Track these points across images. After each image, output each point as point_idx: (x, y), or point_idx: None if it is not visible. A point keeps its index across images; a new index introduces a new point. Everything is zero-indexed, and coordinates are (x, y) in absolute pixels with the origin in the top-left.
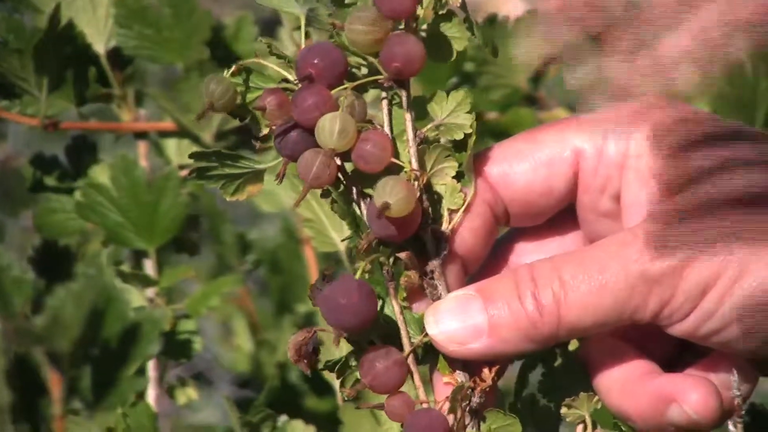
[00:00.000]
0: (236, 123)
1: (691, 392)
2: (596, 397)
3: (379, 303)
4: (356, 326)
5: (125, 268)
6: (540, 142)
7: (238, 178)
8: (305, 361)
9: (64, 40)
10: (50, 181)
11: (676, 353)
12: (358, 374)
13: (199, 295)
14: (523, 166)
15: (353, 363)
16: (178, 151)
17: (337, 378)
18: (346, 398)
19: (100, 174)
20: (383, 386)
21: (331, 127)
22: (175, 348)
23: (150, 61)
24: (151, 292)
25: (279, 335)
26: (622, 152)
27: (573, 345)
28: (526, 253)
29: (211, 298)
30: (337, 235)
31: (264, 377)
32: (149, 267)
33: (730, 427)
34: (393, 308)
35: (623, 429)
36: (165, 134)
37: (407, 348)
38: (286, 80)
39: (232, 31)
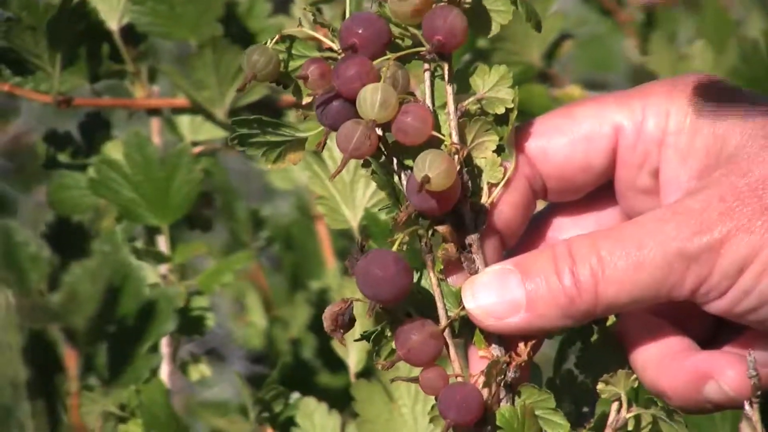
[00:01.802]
0: (250, 100)
1: (728, 369)
2: (633, 375)
3: (416, 275)
4: (392, 299)
5: (138, 244)
6: (579, 118)
7: (280, 146)
8: (341, 331)
9: (77, 17)
10: (63, 157)
11: (712, 331)
12: (393, 345)
13: (211, 271)
14: (562, 141)
15: (388, 333)
16: (191, 127)
17: (373, 348)
18: (382, 369)
19: (113, 150)
20: (419, 359)
21: (372, 99)
22: (188, 324)
23: (163, 37)
24: (164, 268)
25: (292, 311)
26: (662, 128)
27: (610, 320)
28: (563, 228)
29: (224, 274)
30: (350, 212)
31: (277, 353)
32: (162, 243)
33: (746, 407)
34: (430, 281)
35: (658, 405)
36: (178, 111)
37: (443, 321)
38: (330, 49)
39: (246, 8)
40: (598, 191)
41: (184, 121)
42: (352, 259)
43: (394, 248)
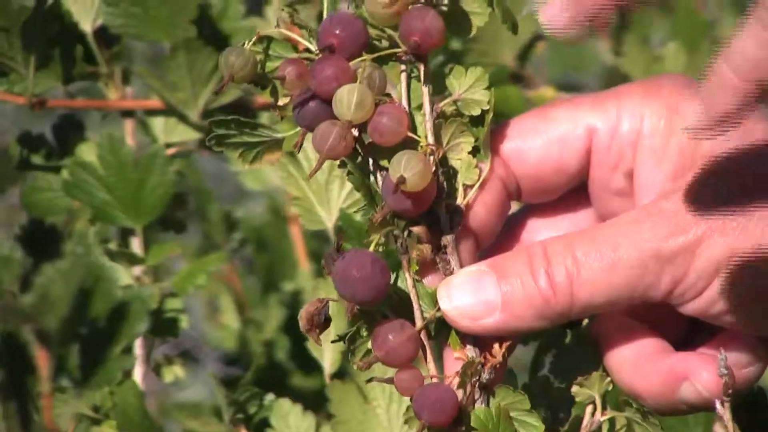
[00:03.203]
0: (224, 101)
1: (703, 370)
2: (608, 378)
3: (392, 276)
4: (369, 299)
5: (112, 246)
6: (553, 119)
7: (257, 146)
8: (317, 330)
9: (51, 18)
10: (37, 159)
11: (688, 333)
12: (368, 345)
13: (185, 272)
14: (536, 142)
15: (364, 333)
16: (164, 129)
17: (348, 348)
18: (359, 370)
19: (87, 152)
20: (396, 360)
21: (348, 99)
22: (162, 326)
23: (137, 39)
24: (138, 269)
25: (265, 313)
26: (636, 130)
27: (584, 322)
28: (538, 229)
29: (198, 275)
30: (326, 213)
31: (250, 355)
32: (136, 245)
33: (718, 406)
34: (406, 281)
35: (634, 407)
36: (152, 112)
37: (419, 322)
38: (308, 50)
39: (219, 9)
40: (573, 193)
41: (157, 123)
42: (329, 260)
43: (371, 249)
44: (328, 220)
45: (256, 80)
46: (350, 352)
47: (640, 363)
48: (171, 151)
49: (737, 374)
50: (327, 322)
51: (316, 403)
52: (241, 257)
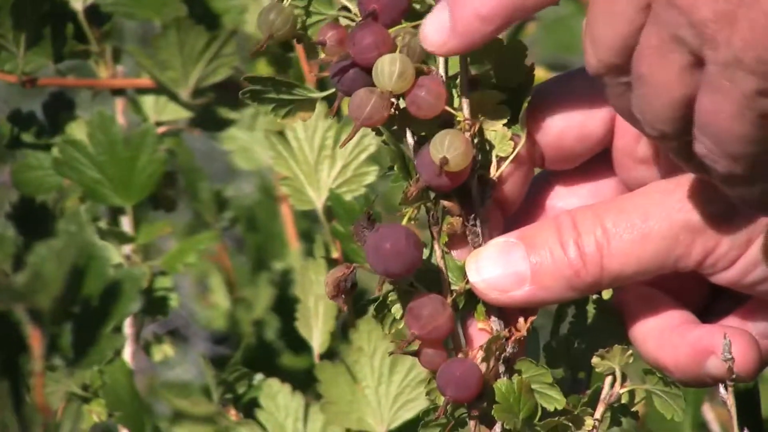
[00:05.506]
0: (215, 80)
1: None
2: (629, 351)
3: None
4: (402, 273)
5: (102, 224)
6: (575, 86)
7: (291, 103)
8: (343, 297)
9: None
10: (27, 137)
11: (708, 301)
12: (396, 315)
13: (175, 251)
14: (559, 110)
15: (390, 302)
16: (155, 107)
17: (376, 317)
18: (398, 348)
19: (78, 130)
20: (435, 337)
21: (390, 70)
22: (152, 305)
23: (127, 17)
24: (127, 248)
25: (255, 292)
26: None
27: (607, 294)
28: (560, 196)
29: (188, 254)
30: (315, 193)
31: (240, 335)
32: (126, 223)
33: (721, 390)
34: (435, 254)
35: (658, 376)
36: (142, 91)
37: (448, 295)
38: (347, 9)
39: None
40: (596, 160)
41: (148, 101)
42: (359, 229)
43: (404, 222)
44: (318, 200)
45: (295, 38)
46: (379, 322)
47: (665, 335)
48: (161, 129)
49: (764, 346)
50: (353, 288)
51: (305, 383)
52: (231, 236)
